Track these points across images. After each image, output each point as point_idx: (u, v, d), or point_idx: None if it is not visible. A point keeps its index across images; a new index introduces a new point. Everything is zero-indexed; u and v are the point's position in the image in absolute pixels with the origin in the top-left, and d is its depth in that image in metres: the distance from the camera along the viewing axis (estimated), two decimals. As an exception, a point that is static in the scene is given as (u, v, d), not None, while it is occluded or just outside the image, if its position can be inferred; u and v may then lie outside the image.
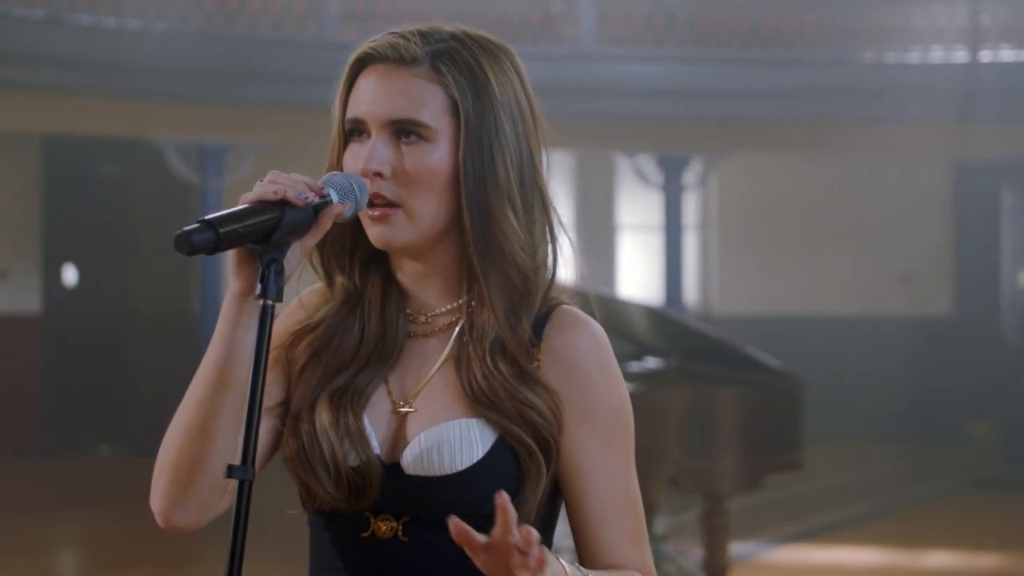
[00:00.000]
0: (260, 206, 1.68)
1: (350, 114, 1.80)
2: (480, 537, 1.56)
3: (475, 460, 1.75)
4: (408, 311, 1.85)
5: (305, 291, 1.89)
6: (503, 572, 1.59)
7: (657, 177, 12.93)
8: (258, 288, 1.68)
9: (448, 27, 1.83)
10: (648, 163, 13.01)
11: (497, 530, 1.55)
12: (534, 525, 1.74)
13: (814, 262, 15.46)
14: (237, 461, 1.66)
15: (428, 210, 1.78)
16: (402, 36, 1.80)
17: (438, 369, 1.82)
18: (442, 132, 1.77)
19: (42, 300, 14.20)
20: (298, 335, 1.85)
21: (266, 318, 1.67)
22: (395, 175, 1.77)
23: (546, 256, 1.82)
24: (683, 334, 8.07)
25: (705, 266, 15.97)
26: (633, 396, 5.99)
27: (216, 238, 1.63)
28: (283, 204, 1.68)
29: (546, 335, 1.79)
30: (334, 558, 1.82)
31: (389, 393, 1.82)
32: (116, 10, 11.14)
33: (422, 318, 1.84)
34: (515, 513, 1.55)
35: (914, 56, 12.92)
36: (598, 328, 1.81)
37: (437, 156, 1.77)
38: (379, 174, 1.77)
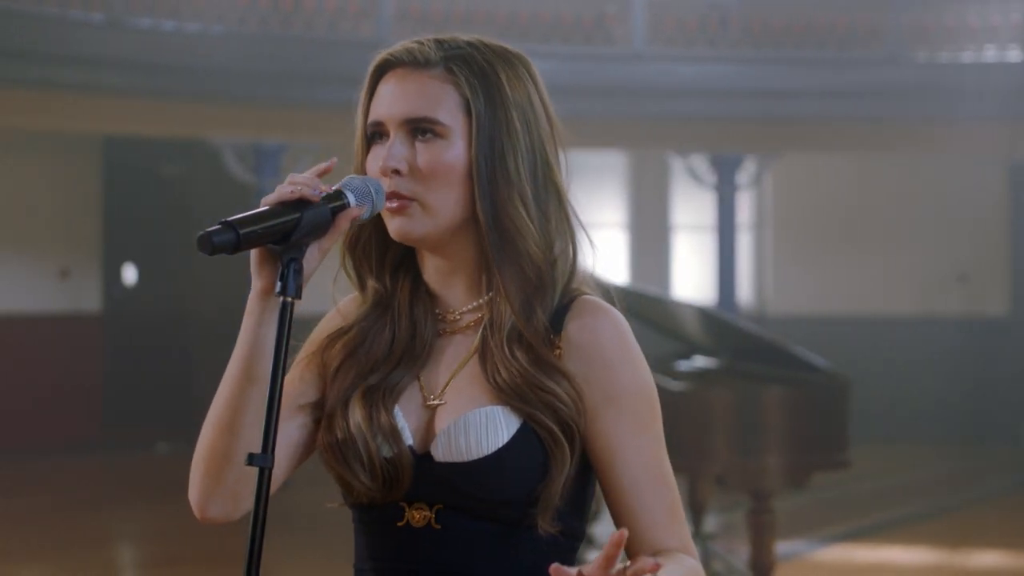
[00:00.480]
0: (279, 208, 1.76)
1: (371, 118, 1.89)
2: (571, 571, 1.61)
3: (500, 444, 1.82)
4: (437, 311, 1.93)
5: (343, 300, 1.97)
6: None
7: (710, 177, 12.95)
8: (278, 286, 1.76)
9: (465, 36, 1.91)
10: (701, 163, 13.03)
11: (597, 561, 1.60)
12: (561, 509, 1.82)
13: (869, 262, 15.42)
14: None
15: (443, 204, 1.85)
16: (418, 42, 1.89)
17: (465, 363, 1.89)
18: (456, 129, 1.85)
19: (102, 299, 14.38)
20: (333, 338, 1.93)
21: (286, 314, 1.75)
22: (412, 172, 1.85)
23: (564, 250, 1.89)
24: (731, 333, 8.11)
25: (760, 266, 15.97)
26: (681, 395, 6.05)
27: (236, 239, 1.72)
28: (302, 206, 1.77)
29: (567, 324, 1.86)
30: (372, 549, 1.89)
31: (421, 388, 1.90)
32: (174, 13, 11.25)
33: (450, 317, 1.92)
34: (621, 551, 1.60)
35: (968, 55, 12.86)
36: (618, 315, 1.88)
37: (452, 153, 1.85)
38: (397, 171, 1.85)
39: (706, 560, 8.64)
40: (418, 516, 1.85)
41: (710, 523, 9.07)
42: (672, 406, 7.10)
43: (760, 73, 12.27)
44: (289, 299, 1.76)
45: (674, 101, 12.25)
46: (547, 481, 1.81)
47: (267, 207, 1.76)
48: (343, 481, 1.88)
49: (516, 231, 1.85)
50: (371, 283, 1.94)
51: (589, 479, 1.90)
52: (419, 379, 1.90)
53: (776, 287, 15.74)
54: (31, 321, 13.61)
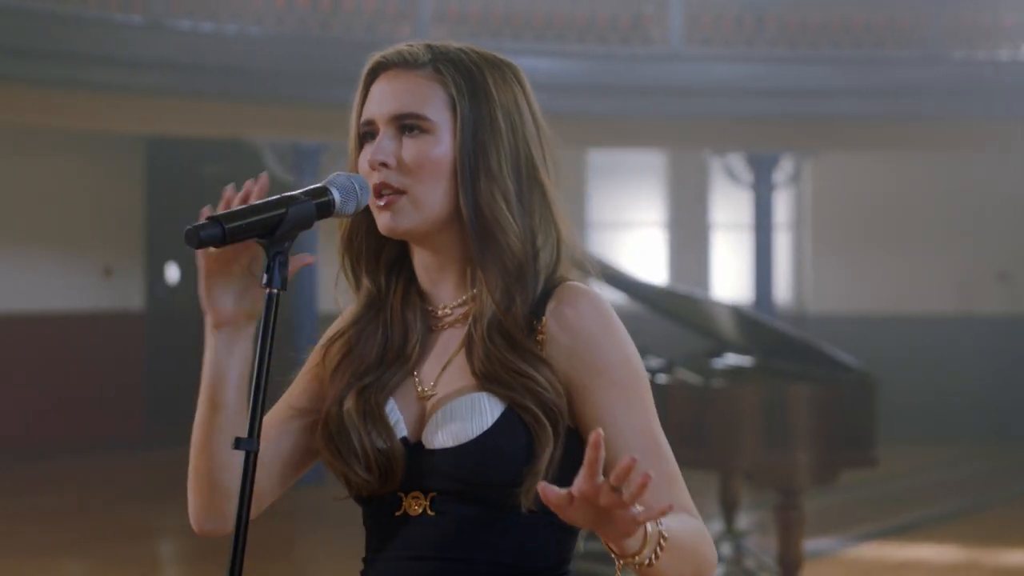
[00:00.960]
0: (265, 204, 1.85)
1: (363, 118, 1.97)
2: (561, 491, 1.67)
3: (485, 428, 1.89)
4: (429, 308, 2.01)
5: (348, 308, 2.04)
6: (595, 520, 1.70)
7: (747, 176, 12.96)
8: (264, 278, 1.84)
9: (456, 44, 1.99)
10: (738, 162, 13.04)
11: (583, 472, 1.66)
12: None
13: (908, 261, 15.39)
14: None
15: (431, 197, 1.93)
16: (410, 45, 1.98)
17: (455, 356, 1.96)
18: (442, 126, 1.93)
19: (145, 298, 14.52)
20: (332, 339, 2.02)
21: (271, 305, 1.83)
22: (400, 165, 1.93)
23: (546, 242, 1.96)
24: (763, 332, 8.15)
25: (798, 265, 15.96)
26: (711, 391, 6.07)
27: (223, 233, 1.81)
28: (288, 202, 1.85)
29: (548, 310, 1.93)
30: (376, 540, 1.97)
31: (416, 383, 1.97)
32: (213, 15, 11.33)
33: (441, 313, 2.00)
34: (603, 454, 1.65)
35: (1004, 53, 12.83)
36: (598, 295, 1.95)
37: (439, 148, 1.93)
38: (385, 164, 1.93)
39: (738, 557, 8.67)
40: (415, 505, 1.93)
41: (742, 520, 9.11)
42: (702, 402, 7.17)
43: (797, 72, 12.26)
44: (275, 291, 1.83)
45: (711, 100, 12.26)
46: (534, 461, 1.87)
47: (254, 203, 1.86)
48: (343, 476, 1.94)
49: (497, 225, 1.92)
50: (365, 283, 2.01)
51: (580, 461, 1.95)
52: (414, 374, 1.98)
53: (815, 286, 15.73)
54: (74, 319, 13.76)
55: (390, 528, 1.95)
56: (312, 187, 1.90)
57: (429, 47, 1.97)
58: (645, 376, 1.94)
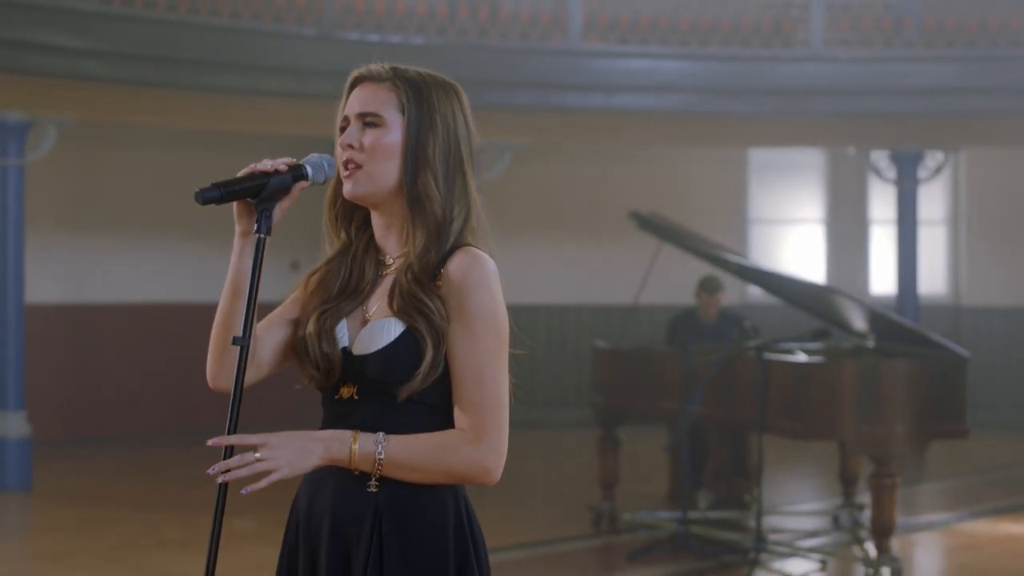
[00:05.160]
0: (253, 176, 2.64)
1: (342, 115, 2.77)
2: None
3: (387, 342, 2.68)
4: (380, 257, 2.81)
5: (328, 254, 2.87)
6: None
7: (890, 172, 13.32)
8: (255, 227, 2.66)
9: (416, 68, 2.79)
10: (882, 159, 13.38)
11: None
12: (436, 387, 2.67)
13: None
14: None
15: (380, 172, 2.72)
16: (380, 66, 2.78)
17: (388, 292, 2.75)
18: (393, 122, 2.72)
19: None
20: (312, 273, 2.84)
21: (260, 247, 2.64)
22: (361, 147, 2.73)
23: (459, 214, 2.74)
24: (876, 319, 8.64)
25: (954, 259, 16.16)
26: (811, 367, 6.66)
27: (220, 194, 2.60)
28: (270, 175, 2.65)
29: (447, 264, 2.71)
30: (324, 414, 2.79)
31: (364, 310, 2.77)
32: (379, 26, 12.13)
33: (387, 262, 2.80)
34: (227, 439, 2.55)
35: None
36: (486, 260, 2.70)
37: (388, 138, 2.72)
38: (351, 146, 2.73)
39: (855, 528, 9.17)
40: (346, 392, 2.74)
41: (862, 495, 9.52)
42: (802, 378, 7.72)
43: (935, 71, 12.53)
44: (262, 236, 2.65)
45: (852, 100, 12.61)
46: (419, 372, 2.65)
47: (244, 174, 2.65)
48: (305, 372, 2.77)
49: (426, 196, 2.71)
50: (343, 234, 2.82)
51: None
52: (364, 304, 2.78)
53: (970, 280, 15.93)
54: (264, 309, 14.60)
55: (332, 406, 2.76)
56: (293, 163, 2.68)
57: (393, 68, 2.77)
58: (499, 330, 2.67)
